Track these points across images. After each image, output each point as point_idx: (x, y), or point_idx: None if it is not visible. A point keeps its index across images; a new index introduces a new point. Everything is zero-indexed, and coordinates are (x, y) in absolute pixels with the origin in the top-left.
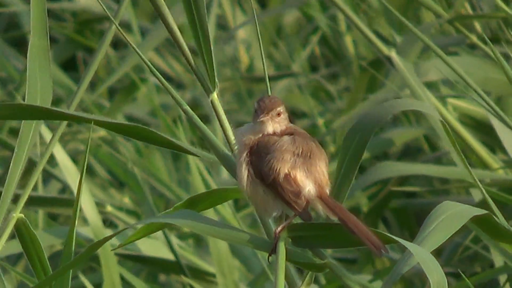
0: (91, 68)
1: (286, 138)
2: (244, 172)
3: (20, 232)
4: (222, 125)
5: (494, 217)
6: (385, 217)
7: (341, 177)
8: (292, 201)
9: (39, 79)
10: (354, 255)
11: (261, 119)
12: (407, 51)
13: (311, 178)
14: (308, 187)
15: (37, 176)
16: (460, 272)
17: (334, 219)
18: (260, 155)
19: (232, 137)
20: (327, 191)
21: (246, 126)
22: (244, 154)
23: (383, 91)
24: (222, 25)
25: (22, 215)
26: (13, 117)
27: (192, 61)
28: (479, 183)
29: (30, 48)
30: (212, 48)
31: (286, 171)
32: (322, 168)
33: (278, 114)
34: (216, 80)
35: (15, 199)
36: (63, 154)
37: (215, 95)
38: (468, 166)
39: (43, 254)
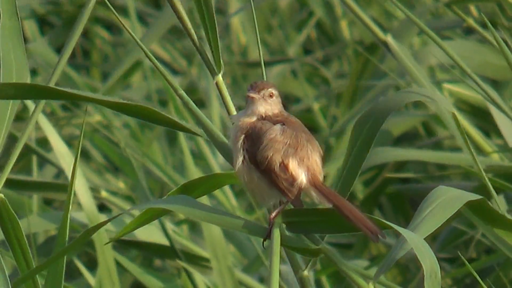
0: (72, 40)
1: (278, 126)
2: (240, 157)
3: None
4: (227, 107)
5: (489, 202)
6: (380, 202)
7: (349, 166)
8: (286, 189)
9: (14, 62)
10: (349, 240)
11: (251, 95)
12: (403, 36)
13: (304, 166)
14: (301, 175)
15: (16, 154)
16: (460, 255)
17: (329, 206)
18: (254, 141)
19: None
20: (321, 179)
21: (240, 112)
22: (241, 140)
23: (380, 76)
24: (216, 10)
25: (1, 195)
26: (15, 96)
27: (198, 42)
28: (480, 166)
29: (1, 29)
30: (217, 29)
31: (280, 159)
32: (315, 157)
33: (270, 95)
34: (222, 61)
35: None
36: (57, 138)
37: (220, 77)
38: (474, 154)
39: (22, 235)
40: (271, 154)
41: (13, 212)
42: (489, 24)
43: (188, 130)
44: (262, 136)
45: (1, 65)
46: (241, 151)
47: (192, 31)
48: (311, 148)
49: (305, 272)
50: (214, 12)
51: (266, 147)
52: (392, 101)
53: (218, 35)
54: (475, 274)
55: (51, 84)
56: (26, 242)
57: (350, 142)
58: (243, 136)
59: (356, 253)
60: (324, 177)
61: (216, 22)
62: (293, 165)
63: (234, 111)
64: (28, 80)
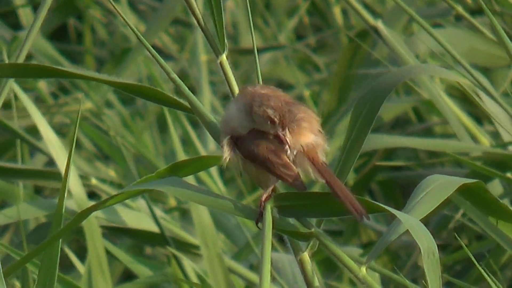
0: (42, 11)
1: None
2: (231, 152)
3: None
4: (230, 87)
5: (485, 185)
6: (371, 189)
7: (348, 149)
8: (283, 174)
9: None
10: (340, 227)
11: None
12: (394, 22)
13: (299, 143)
14: (296, 151)
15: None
16: (457, 237)
17: (322, 180)
18: (246, 138)
19: None
20: (319, 155)
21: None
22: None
23: (372, 63)
24: None
25: None
26: (17, 75)
27: (203, 22)
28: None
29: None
30: (222, 7)
31: (272, 147)
32: (311, 132)
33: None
34: (226, 41)
35: None
36: (47, 127)
37: (224, 57)
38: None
39: None
40: (264, 145)
41: None
42: (488, 10)
43: (187, 109)
44: (250, 136)
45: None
46: (232, 149)
47: (198, 10)
48: (307, 123)
49: (305, 254)
50: None
51: (259, 140)
52: (391, 79)
53: (223, 14)
54: (472, 256)
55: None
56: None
57: (350, 125)
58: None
59: (346, 240)
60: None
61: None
62: (291, 138)
63: (237, 91)
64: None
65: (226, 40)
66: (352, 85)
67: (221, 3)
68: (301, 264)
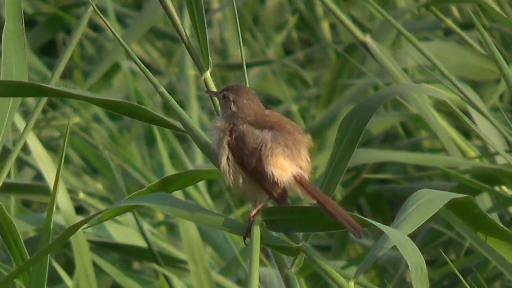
0: (66, 54)
1: (267, 132)
2: (224, 157)
3: None
4: (214, 104)
5: (475, 201)
6: (359, 203)
7: (335, 164)
8: (271, 188)
9: (14, 64)
10: (327, 242)
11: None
12: (383, 37)
13: (291, 166)
14: (288, 176)
15: (11, 163)
16: (443, 254)
17: (313, 202)
18: (240, 145)
19: None
20: (307, 176)
21: (218, 119)
22: (225, 141)
23: (361, 78)
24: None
25: None
26: (5, 94)
27: (186, 38)
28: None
29: (5, 33)
30: (206, 26)
31: (267, 162)
32: (302, 154)
33: (223, 97)
34: (210, 58)
35: None
36: (35, 141)
37: (208, 74)
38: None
39: (19, 238)
40: (260, 157)
41: (9, 216)
42: (477, 21)
43: (175, 127)
44: (248, 140)
45: (1, 68)
46: (226, 151)
47: (181, 27)
48: (298, 145)
49: (292, 270)
50: (203, 7)
51: (255, 151)
52: (379, 97)
53: (206, 31)
54: (458, 273)
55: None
56: (23, 245)
57: (336, 141)
58: (226, 137)
59: (334, 255)
60: (313, 170)
61: (205, 17)
62: (282, 164)
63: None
64: None
65: (210, 57)
66: (339, 98)
67: (204, 21)
68: (286, 280)
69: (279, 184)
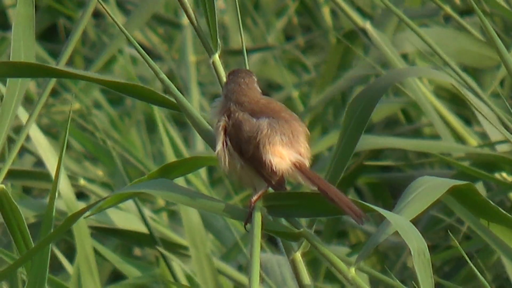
0: (69, 45)
1: (264, 120)
2: (220, 143)
3: (1, 203)
4: (222, 87)
5: (476, 187)
6: (360, 190)
7: (342, 149)
8: (269, 176)
9: (23, 49)
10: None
11: None
12: (384, 23)
13: (290, 153)
14: (287, 163)
15: (15, 153)
16: (451, 236)
17: (314, 188)
18: (237, 132)
19: None
20: (307, 162)
21: (218, 100)
22: (220, 126)
23: (361, 64)
24: None
25: (2, 185)
26: (10, 74)
27: (195, 20)
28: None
29: (16, 17)
30: (216, 8)
31: (265, 150)
32: (301, 140)
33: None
34: (219, 40)
35: None
36: (35, 128)
37: (217, 56)
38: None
39: (23, 224)
40: (259, 144)
41: (14, 202)
42: (476, 7)
43: (177, 108)
44: (245, 127)
45: (11, 52)
46: (222, 137)
47: (190, 9)
48: (296, 132)
49: (298, 254)
50: None
51: (251, 138)
52: (385, 80)
53: (216, 13)
54: (464, 254)
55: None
56: (28, 231)
57: (344, 125)
58: (222, 122)
59: (332, 239)
60: (312, 158)
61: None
62: (280, 152)
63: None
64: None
65: (219, 39)
66: (335, 83)
67: (214, 2)
68: (293, 264)
69: (278, 173)
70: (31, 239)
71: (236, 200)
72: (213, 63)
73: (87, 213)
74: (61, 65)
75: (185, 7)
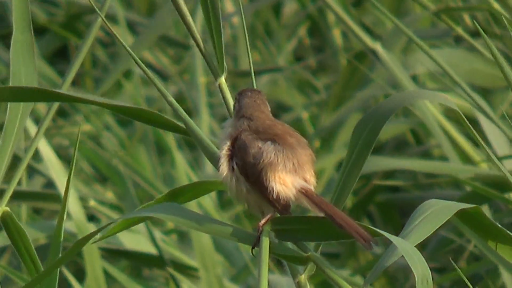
0: (76, 62)
1: (269, 144)
2: (226, 166)
3: (7, 225)
4: (229, 110)
5: (482, 210)
6: (369, 211)
7: (347, 172)
8: (275, 201)
9: (23, 75)
10: (336, 249)
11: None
12: (393, 44)
13: (295, 178)
14: (292, 188)
15: (22, 170)
16: (452, 262)
17: (321, 214)
18: (243, 154)
19: None
20: (313, 187)
21: (228, 121)
22: (226, 148)
23: (371, 85)
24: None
25: (7, 208)
26: (14, 99)
27: (201, 43)
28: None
29: (13, 43)
30: (222, 31)
31: (271, 174)
32: (307, 166)
33: (237, 100)
34: (225, 63)
35: (0, 193)
36: (48, 149)
37: (223, 79)
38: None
39: (30, 246)
40: (261, 169)
41: (19, 224)
42: (482, 31)
43: (186, 132)
44: (251, 150)
45: (10, 79)
46: (227, 160)
47: (195, 30)
48: (302, 158)
49: (303, 276)
50: (220, 10)
51: (256, 163)
52: (392, 103)
53: (222, 36)
54: (464, 278)
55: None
56: (35, 253)
57: (350, 147)
58: (227, 144)
59: (343, 263)
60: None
61: (221, 21)
62: (284, 178)
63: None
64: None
65: (225, 62)
66: (347, 104)
67: (221, 24)
68: (298, 286)
69: (281, 201)
70: (39, 260)
71: (246, 223)
72: (219, 85)
73: (97, 237)
74: (66, 86)
75: (191, 30)
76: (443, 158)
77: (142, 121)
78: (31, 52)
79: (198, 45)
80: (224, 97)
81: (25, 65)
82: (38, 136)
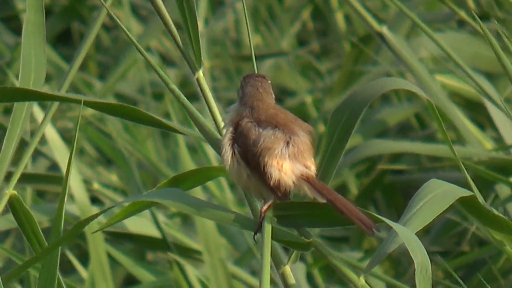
0: (83, 49)
1: (269, 130)
2: (229, 152)
3: (14, 208)
4: (208, 104)
5: (478, 198)
6: (373, 194)
7: (328, 157)
8: (275, 187)
9: (34, 57)
10: (345, 233)
11: None
12: (397, 28)
13: (295, 163)
14: (292, 174)
15: (29, 154)
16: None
17: (322, 201)
18: (244, 140)
19: (218, 115)
20: (313, 174)
21: (233, 106)
22: (229, 134)
23: (375, 69)
24: (218, 1)
25: (15, 192)
26: (2, 99)
27: (179, 38)
28: (457, 156)
29: (26, 24)
30: (198, 25)
31: (270, 159)
32: (307, 151)
33: (243, 84)
34: (202, 58)
35: (8, 177)
36: (53, 132)
37: (201, 73)
38: (451, 143)
39: (37, 228)
40: (261, 155)
41: (26, 207)
42: (477, 17)
43: (174, 130)
44: (251, 136)
45: (21, 60)
46: (230, 146)
47: (173, 27)
48: (302, 145)
49: (287, 267)
50: (194, 4)
51: (256, 148)
52: (370, 90)
53: (198, 30)
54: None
55: (63, 90)
56: (42, 235)
57: (328, 133)
58: (230, 130)
59: (352, 246)
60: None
61: (197, 15)
62: (284, 164)
63: (215, 109)
64: (43, 77)
65: (202, 57)
66: (352, 87)
67: (197, 19)
68: (282, 277)
69: (281, 187)
70: (46, 243)
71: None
72: (197, 80)
73: (101, 222)
74: (73, 73)
75: (168, 23)
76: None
77: (127, 118)
78: (41, 34)
79: (175, 40)
80: (202, 91)
81: (36, 47)
82: (46, 121)
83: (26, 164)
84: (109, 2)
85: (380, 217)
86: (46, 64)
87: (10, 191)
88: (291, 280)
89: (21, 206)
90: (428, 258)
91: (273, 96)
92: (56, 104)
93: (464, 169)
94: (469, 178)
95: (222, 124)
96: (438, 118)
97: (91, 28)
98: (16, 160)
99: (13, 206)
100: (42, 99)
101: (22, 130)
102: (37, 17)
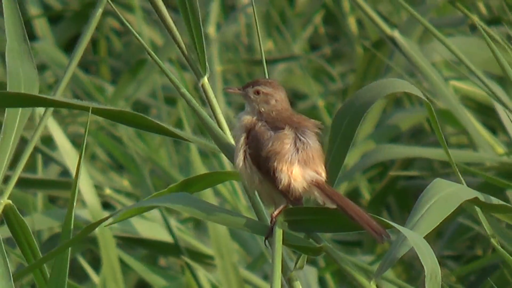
0: (79, 49)
1: (279, 133)
2: (241, 157)
3: (8, 218)
4: (212, 109)
5: (483, 201)
6: (386, 199)
7: (331, 161)
8: (286, 191)
9: (23, 82)
10: (359, 237)
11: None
12: (409, 32)
13: (306, 168)
14: (303, 179)
15: (27, 156)
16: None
17: (333, 206)
18: (255, 144)
19: (223, 121)
20: (324, 179)
21: (244, 112)
22: (242, 140)
23: (390, 74)
24: (230, 6)
25: (9, 201)
26: (2, 105)
27: (183, 46)
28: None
29: (8, 53)
30: (202, 31)
31: (281, 164)
32: (318, 157)
33: (257, 92)
34: (207, 64)
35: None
36: (62, 137)
37: (205, 80)
38: (447, 149)
39: (32, 239)
40: (272, 160)
41: (21, 216)
42: (480, 23)
43: (181, 138)
44: (263, 141)
45: (8, 81)
46: (242, 151)
47: (178, 35)
48: (314, 148)
49: (293, 273)
50: (199, 11)
51: (267, 153)
52: (370, 93)
53: (203, 37)
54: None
55: (60, 89)
56: (37, 245)
57: (330, 138)
58: (244, 135)
59: (365, 250)
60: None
61: (201, 23)
62: (294, 169)
63: (220, 115)
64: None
65: (207, 63)
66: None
67: (201, 26)
68: (289, 283)
69: (292, 192)
70: (40, 253)
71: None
72: (203, 86)
73: (109, 221)
74: (72, 67)
75: (172, 30)
76: (459, 146)
77: (129, 125)
78: (30, 60)
79: (180, 47)
80: (207, 97)
81: (25, 72)
82: (45, 116)
83: (35, 169)
84: (99, 13)
85: (390, 222)
86: (37, 81)
87: (5, 200)
88: (298, 286)
89: (16, 217)
90: (438, 263)
91: (285, 99)
92: (51, 110)
93: (458, 173)
94: (463, 181)
95: (228, 131)
96: (435, 121)
97: (88, 29)
98: (26, 166)
99: (8, 216)
100: (50, 105)
101: (17, 136)
102: (21, 46)
